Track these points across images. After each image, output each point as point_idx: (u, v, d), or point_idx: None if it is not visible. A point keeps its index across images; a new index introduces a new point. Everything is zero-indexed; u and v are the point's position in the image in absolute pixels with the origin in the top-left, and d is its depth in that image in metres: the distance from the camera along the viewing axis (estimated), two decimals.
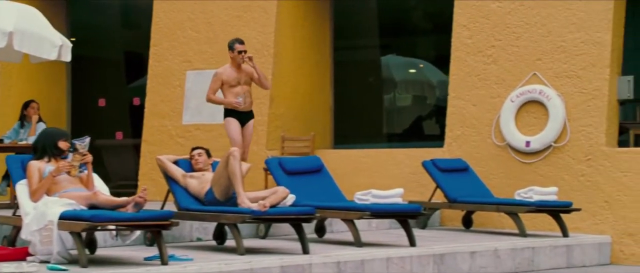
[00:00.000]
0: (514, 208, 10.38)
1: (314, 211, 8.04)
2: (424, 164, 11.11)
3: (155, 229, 6.78)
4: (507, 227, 11.08)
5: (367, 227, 10.59)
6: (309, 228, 9.71)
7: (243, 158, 10.35)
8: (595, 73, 11.02)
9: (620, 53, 11.20)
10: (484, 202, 10.70)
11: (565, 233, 10.43)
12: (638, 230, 10.61)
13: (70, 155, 7.42)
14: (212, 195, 8.13)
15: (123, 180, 13.63)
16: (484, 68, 11.62)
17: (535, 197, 10.40)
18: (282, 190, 8.08)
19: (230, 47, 10.85)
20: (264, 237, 9.25)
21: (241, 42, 10.89)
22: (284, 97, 12.68)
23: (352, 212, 8.74)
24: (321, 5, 13.15)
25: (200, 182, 8.26)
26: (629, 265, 10.55)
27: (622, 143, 11.68)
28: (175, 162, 8.48)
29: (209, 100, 10.81)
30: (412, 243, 8.92)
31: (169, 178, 8.35)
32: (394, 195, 8.97)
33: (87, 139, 7.35)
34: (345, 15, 13.58)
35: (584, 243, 10.44)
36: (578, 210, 10.50)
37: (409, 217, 8.96)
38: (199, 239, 8.84)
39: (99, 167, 14.06)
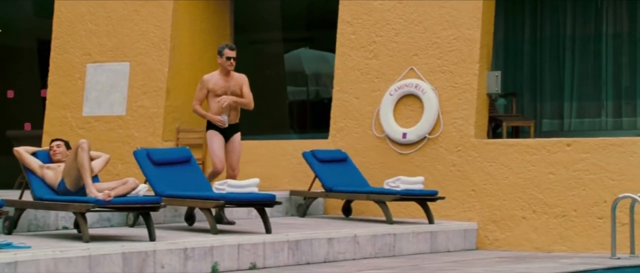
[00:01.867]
0: (381, 197, 10.94)
1: (160, 200, 8.56)
2: (304, 155, 11.64)
3: None
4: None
5: (247, 216, 11.09)
6: (181, 217, 10.26)
7: (232, 176, 10.09)
8: (466, 68, 11.58)
9: (490, 49, 11.76)
10: (356, 191, 11.25)
11: (430, 220, 11.00)
12: (501, 217, 11.20)
13: None
14: (64, 185, 8.65)
15: None
16: (366, 63, 12.15)
17: (402, 186, 10.96)
18: (132, 180, 8.59)
19: (219, 53, 10.15)
20: (132, 226, 9.74)
21: (232, 48, 10.14)
22: (181, 89, 13.17)
23: (208, 201, 9.28)
24: (221, 1, 13.63)
25: (55, 173, 8.77)
26: (492, 250, 11.14)
27: (499, 135, 12.25)
28: (34, 154, 8.97)
29: (194, 111, 10.15)
30: (268, 230, 9.45)
31: (27, 169, 8.85)
32: (250, 185, 9.50)
33: None
34: (248, 10, 14.07)
35: (449, 230, 11.01)
36: (442, 198, 11.07)
37: (265, 205, 9.49)
38: (64, 228, 9.34)
39: (12, 158, 14.56)
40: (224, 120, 10.06)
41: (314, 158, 11.60)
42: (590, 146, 10.83)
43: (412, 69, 11.87)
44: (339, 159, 11.75)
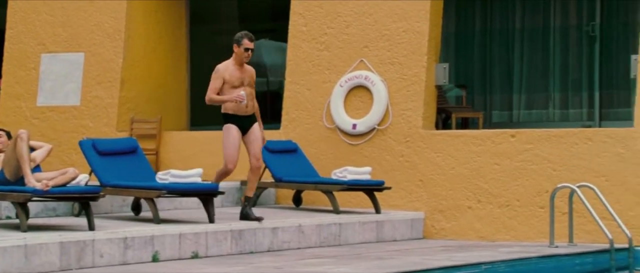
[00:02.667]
0: (329, 187, 11.07)
1: (99, 190, 8.66)
2: None
3: None
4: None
5: (197, 206, 11.15)
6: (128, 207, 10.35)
7: (257, 167, 9.83)
8: (415, 60, 11.71)
9: (438, 42, 11.90)
10: (305, 181, 11.38)
11: (377, 210, 11.13)
12: (448, 207, 11.35)
13: None
14: (4, 175, 8.74)
15: None
16: (317, 54, 12.27)
17: (349, 177, 11.10)
18: (72, 170, 8.69)
19: (237, 42, 9.72)
20: (77, 215, 9.83)
21: (251, 39, 9.71)
22: (136, 80, 13.26)
23: (151, 191, 9.38)
24: None
25: None
26: (439, 239, 11.29)
27: (449, 126, 12.39)
28: None
29: (210, 100, 9.68)
30: (211, 220, 9.56)
31: None
32: (193, 175, 9.61)
33: None
34: (205, 1, 14.14)
35: (395, 219, 11.15)
36: (389, 188, 11.20)
37: (207, 195, 9.60)
38: (8, 217, 9.42)
39: None
40: (243, 94, 9.60)
41: (264, 149, 11.69)
42: (533, 137, 10.99)
43: (362, 60, 12.00)
44: (290, 150, 11.87)
